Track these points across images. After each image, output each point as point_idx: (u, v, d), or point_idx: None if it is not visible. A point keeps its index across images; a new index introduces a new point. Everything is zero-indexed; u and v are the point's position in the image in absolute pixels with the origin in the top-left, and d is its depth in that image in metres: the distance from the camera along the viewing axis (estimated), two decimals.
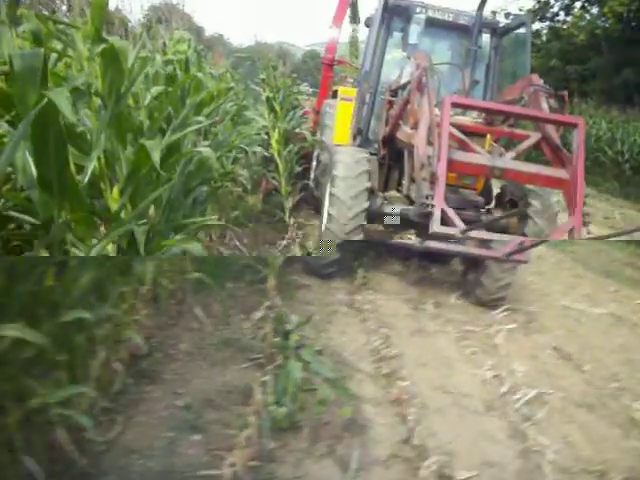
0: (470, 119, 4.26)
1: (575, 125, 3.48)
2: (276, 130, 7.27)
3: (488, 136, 4.07)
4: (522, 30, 5.53)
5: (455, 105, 3.58)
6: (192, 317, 3.69)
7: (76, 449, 2.22)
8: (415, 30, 4.89)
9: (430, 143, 3.50)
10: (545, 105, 3.76)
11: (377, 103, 5.57)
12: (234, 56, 8.20)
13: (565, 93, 3.97)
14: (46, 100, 1.89)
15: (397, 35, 5.65)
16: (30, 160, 2.18)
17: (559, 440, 3.10)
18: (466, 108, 4.10)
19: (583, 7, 21.29)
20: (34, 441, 2.10)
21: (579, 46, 19.84)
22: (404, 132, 4.38)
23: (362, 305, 4.73)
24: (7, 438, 2.00)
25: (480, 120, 4.31)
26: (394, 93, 5.12)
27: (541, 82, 3.94)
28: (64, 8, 3.19)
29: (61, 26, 2.66)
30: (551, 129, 3.62)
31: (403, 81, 4.69)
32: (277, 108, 7.57)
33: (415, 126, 3.82)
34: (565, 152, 3.56)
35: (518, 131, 4.08)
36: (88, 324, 2.31)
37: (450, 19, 5.51)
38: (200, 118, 3.49)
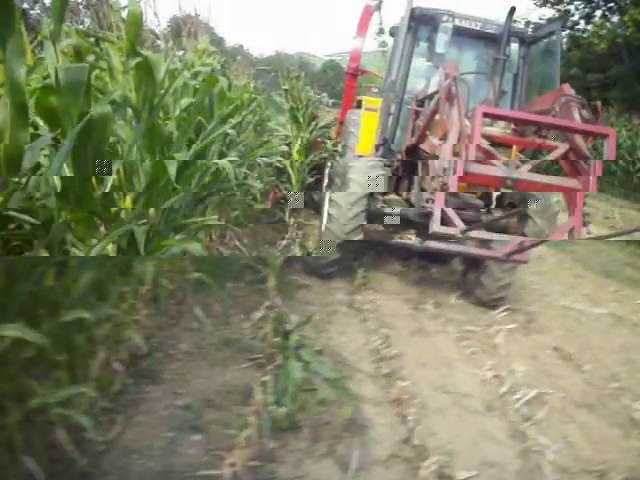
0: (499, 130, 4.10)
1: (606, 135, 3.37)
2: (299, 140, 7.30)
3: (514, 147, 3.91)
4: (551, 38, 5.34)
5: (486, 115, 3.46)
6: (192, 317, 3.69)
7: (76, 449, 2.22)
8: (442, 39, 4.73)
9: (456, 154, 3.42)
10: (577, 115, 3.58)
11: (402, 113, 5.40)
12: (256, 68, 8.23)
13: (598, 103, 3.77)
14: (89, 117, 1.99)
15: (422, 44, 5.51)
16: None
17: (559, 440, 3.10)
18: (497, 118, 3.92)
19: (604, 16, 21.32)
20: (34, 441, 2.10)
21: (599, 54, 19.83)
22: (431, 143, 4.23)
23: (362, 305, 4.73)
24: (7, 438, 2.00)
25: (508, 131, 4.12)
26: (420, 103, 4.98)
27: (572, 92, 3.77)
28: (87, 20, 3.22)
29: (91, 39, 2.72)
30: (579, 140, 3.48)
31: (430, 91, 4.54)
32: (300, 119, 7.58)
33: (444, 137, 3.70)
34: (582, 164, 3.47)
35: (546, 142, 3.88)
36: (88, 324, 2.30)
37: (477, 28, 5.34)
38: (226, 128, 3.54)
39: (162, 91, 2.74)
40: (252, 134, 5.17)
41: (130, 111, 2.61)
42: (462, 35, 5.24)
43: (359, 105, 6.78)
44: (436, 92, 4.18)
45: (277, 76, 8.07)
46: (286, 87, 7.96)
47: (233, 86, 4.61)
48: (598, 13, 21.79)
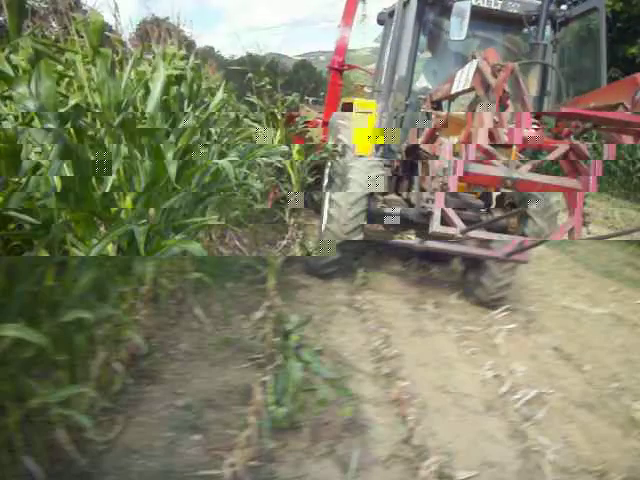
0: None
1: None
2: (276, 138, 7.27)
3: (514, 147, 3.67)
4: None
5: (564, 116, 2.94)
6: (192, 317, 3.69)
7: (76, 449, 2.22)
8: (459, 22, 3.84)
9: (456, 154, 3.22)
10: None
11: (407, 118, 4.75)
12: (227, 68, 8.09)
13: None
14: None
15: (434, 30, 4.84)
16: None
17: (559, 440, 3.10)
18: (576, 118, 3.18)
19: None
20: (34, 441, 2.10)
21: None
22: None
23: (362, 305, 4.73)
24: (7, 438, 2.00)
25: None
26: (436, 105, 4.27)
27: None
28: (55, 25, 3.25)
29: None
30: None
31: (457, 89, 3.65)
32: (278, 116, 7.55)
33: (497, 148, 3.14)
34: (582, 164, 3.36)
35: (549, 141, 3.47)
36: (88, 324, 2.31)
37: (498, 7, 4.47)
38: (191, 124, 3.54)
39: (130, 94, 2.80)
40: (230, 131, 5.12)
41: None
42: (479, 18, 4.27)
43: (347, 109, 6.19)
44: (469, 90, 3.46)
45: (248, 76, 7.91)
46: (259, 84, 7.78)
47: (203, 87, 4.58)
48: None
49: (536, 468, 2.83)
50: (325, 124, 7.18)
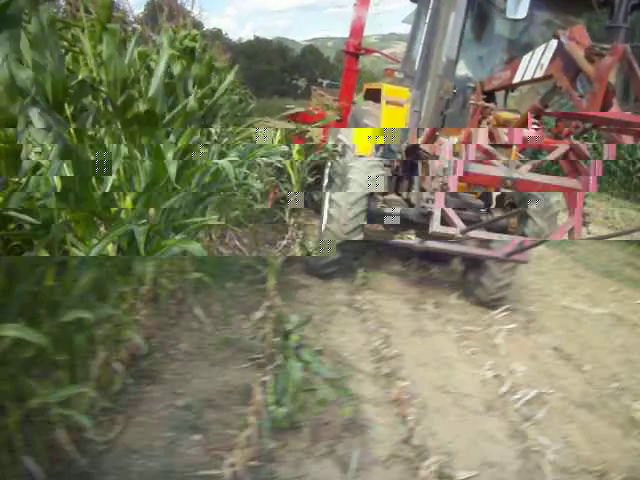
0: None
1: None
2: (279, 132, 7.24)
3: (514, 147, 3.67)
4: None
5: (564, 116, 2.76)
6: (192, 317, 3.69)
7: (76, 449, 2.22)
8: None
9: (456, 154, 3.20)
10: None
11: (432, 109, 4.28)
12: (237, 51, 8.07)
13: None
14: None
15: (486, 9, 4.23)
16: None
17: (559, 440, 3.10)
18: (570, 118, 2.89)
19: None
20: (34, 441, 2.10)
21: None
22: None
23: (362, 305, 4.73)
24: (7, 438, 2.00)
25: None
26: (488, 96, 3.77)
27: None
28: (62, 2, 3.26)
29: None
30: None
31: (522, 77, 3.04)
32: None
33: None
34: (582, 164, 3.35)
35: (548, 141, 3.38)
36: (88, 324, 2.30)
37: None
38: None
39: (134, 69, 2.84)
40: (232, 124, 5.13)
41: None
42: None
43: (370, 96, 5.78)
44: (544, 78, 2.84)
45: (256, 59, 7.82)
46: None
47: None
48: None
49: (536, 468, 2.83)
50: (336, 122, 6.74)
